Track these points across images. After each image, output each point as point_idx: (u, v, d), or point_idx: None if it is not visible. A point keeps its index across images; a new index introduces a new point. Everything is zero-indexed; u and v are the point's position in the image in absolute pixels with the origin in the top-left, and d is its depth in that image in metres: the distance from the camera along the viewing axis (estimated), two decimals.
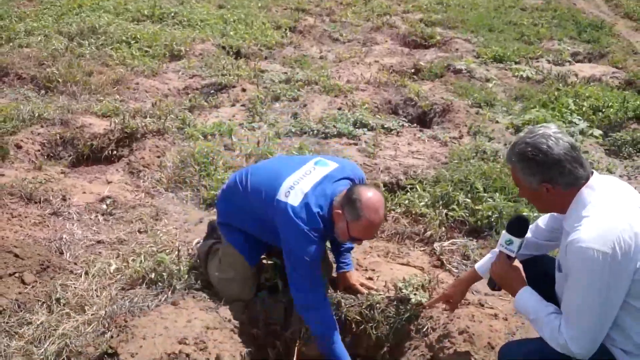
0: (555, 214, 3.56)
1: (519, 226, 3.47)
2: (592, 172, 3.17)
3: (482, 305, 4.36)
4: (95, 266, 4.82)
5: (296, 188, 4.12)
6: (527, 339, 3.34)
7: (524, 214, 3.94)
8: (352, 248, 4.77)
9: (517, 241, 3.44)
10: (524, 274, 3.44)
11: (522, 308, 3.32)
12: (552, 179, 3.11)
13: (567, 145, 3.09)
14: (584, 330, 2.97)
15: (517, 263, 3.50)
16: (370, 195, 3.92)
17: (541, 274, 3.52)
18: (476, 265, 4.01)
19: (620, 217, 2.98)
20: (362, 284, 4.66)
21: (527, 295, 3.31)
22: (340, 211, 4.00)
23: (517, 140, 3.24)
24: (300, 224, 4.00)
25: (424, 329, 4.25)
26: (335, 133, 7.73)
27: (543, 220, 3.71)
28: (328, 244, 4.86)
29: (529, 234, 3.68)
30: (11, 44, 10.84)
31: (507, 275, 3.45)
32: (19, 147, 7.01)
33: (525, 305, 3.29)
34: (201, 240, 5.04)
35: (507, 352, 3.40)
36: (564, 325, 3.04)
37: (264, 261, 4.68)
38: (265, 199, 4.19)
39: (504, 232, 3.50)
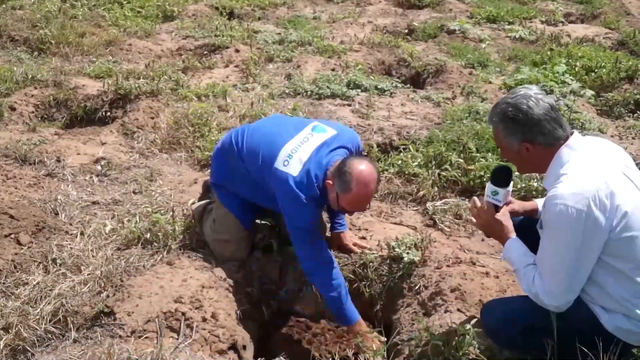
0: None
1: (502, 176, 3.52)
2: (572, 132, 3.21)
3: (474, 264, 4.40)
4: (90, 227, 4.84)
5: (294, 157, 4.11)
6: (508, 297, 3.39)
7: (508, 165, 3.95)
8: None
9: (502, 191, 3.48)
10: (510, 223, 3.46)
11: (508, 258, 3.38)
12: (532, 138, 3.15)
13: (547, 105, 3.13)
14: (555, 284, 3.03)
15: (504, 211, 3.52)
16: (361, 168, 3.89)
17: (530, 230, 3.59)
18: (537, 201, 3.88)
19: (597, 176, 3.02)
20: (355, 244, 4.70)
21: (513, 245, 3.36)
22: (331, 182, 4.00)
23: (499, 101, 3.28)
24: (300, 194, 4.00)
25: (417, 287, 4.30)
26: (329, 94, 7.73)
27: None
28: None
29: None
30: (4, 5, 10.79)
31: (492, 225, 3.48)
32: (12, 109, 7.01)
33: (511, 256, 3.35)
34: (196, 201, 5.06)
35: (489, 311, 3.45)
36: (537, 278, 3.11)
37: (258, 221, 4.71)
38: (262, 165, 4.19)
39: (488, 183, 3.54)
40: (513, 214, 3.68)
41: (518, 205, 3.77)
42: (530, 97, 3.14)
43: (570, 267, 3.00)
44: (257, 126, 4.59)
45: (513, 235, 3.40)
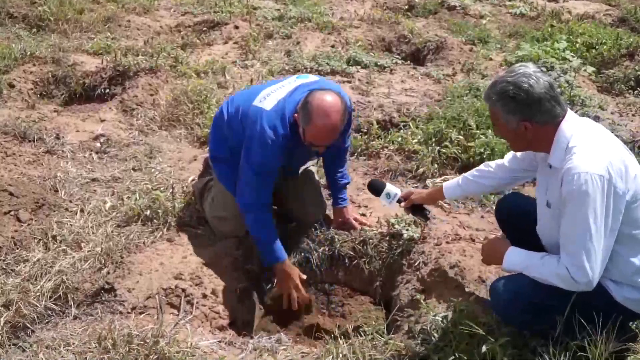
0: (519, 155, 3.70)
1: (373, 189, 4.43)
2: (567, 109, 3.22)
3: (473, 240, 4.41)
4: (90, 204, 4.85)
5: (272, 95, 4.15)
6: (517, 274, 3.39)
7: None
8: (347, 183, 4.78)
9: (382, 198, 4.37)
10: (505, 241, 3.53)
11: (513, 263, 3.36)
12: (531, 117, 3.14)
13: (546, 84, 3.13)
14: (587, 257, 2.98)
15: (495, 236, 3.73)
16: (323, 98, 3.87)
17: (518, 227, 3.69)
18: (444, 184, 4.19)
19: (606, 143, 3.09)
20: (356, 219, 4.70)
21: (514, 251, 3.36)
22: (297, 115, 4.00)
23: (497, 79, 3.27)
24: (267, 130, 4.01)
25: (416, 264, 4.30)
26: (329, 70, 7.71)
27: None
28: (323, 182, 4.90)
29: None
30: None
31: (492, 248, 3.57)
32: (11, 86, 6.98)
33: (516, 259, 3.33)
34: (196, 178, 5.06)
35: (498, 287, 3.44)
36: (565, 257, 3.06)
37: None
38: (242, 116, 4.24)
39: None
40: (409, 202, 4.33)
41: (416, 195, 4.33)
42: (530, 75, 3.12)
43: (598, 237, 2.98)
44: (244, 90, 4.61)
45: (510, 246, 3.43)
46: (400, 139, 5.94)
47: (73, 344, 3.44)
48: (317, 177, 4.92)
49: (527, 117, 3.15)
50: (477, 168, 4.02)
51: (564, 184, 3.04)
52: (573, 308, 3.14)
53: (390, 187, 4.34)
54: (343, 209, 4.71)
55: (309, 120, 3.87)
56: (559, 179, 3.08)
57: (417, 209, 4.33)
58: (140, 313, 3.74)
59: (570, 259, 3.04)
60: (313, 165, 4.94)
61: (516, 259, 3.34)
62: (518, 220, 3.71)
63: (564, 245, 3.10)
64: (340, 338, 3.66)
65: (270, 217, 4.28)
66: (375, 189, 4.40)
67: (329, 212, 4.80)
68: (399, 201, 4.34)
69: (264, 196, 4.22)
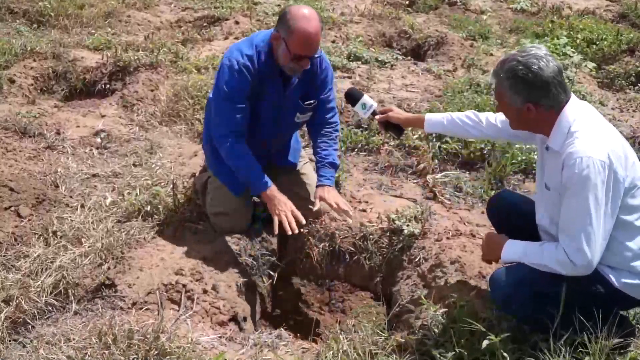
0: None
1: (349, 98, 4.38)
2: (571, 95, 3.23)
3: (474, 236, 4.41)
4: (91, 199, 4.85)
5: None
6: (516, 265, 3.39)
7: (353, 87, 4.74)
8: (334, 164, 4.51)
9: (357, 109, 4.35)
10: (502, 235, 3.53)
11: (512, 253, 3.37)
12: (537, 100, 3.15)
13: (555, 68, 3.12)
14: (587, 240, 3.00)
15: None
16: (299, 7, 4.00)
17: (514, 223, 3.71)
18: (427, 115, 4.15)
19: (606, 130, 3.14)
20: (337, 204, 4.30)
21: (513, 242, 3.38)
22: (276, 33, 4.04)
23: (508, 56, 3.24)
24: (233, 53, 4.14)
25: (417, 259, 4.30)
26: None
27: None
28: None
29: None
30: None
31: (490, 241, 3.58)
32: (12, 81, 6.97)
33: (515, 249, 3.35)
34: (197, 174, 5.05)
35: (498, 278, 3.44)
36: (564, 240, 3.09)
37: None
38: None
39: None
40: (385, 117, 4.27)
41: (394, 114, 4.25)
42: (541, 57, 3.11)
43: (597, 221, 3.00)
44: None
45: (507, 239, 3.44)
46: None
47: (73, 339, 3.44)
48: (314, 174, 4.87)
49: (532, 100, 3.16)
50: (466, 114, 3.96)
51: (565, 167, 3.05)
52: (573, 298, 3.15)
53: (367, 98, 4.31)
54: (323, 187, 4.39)
55: (291, 28, 3.93)
56: (560, 162, 3.10)
57: (390, 125, 4.29)
58: (141, 308, 3.74)
59: (570, 242, 3.06)
60: (310, 161, 4.92)
61: (515, 248, 3.36)
62: (516, 219, 3.70)
63: (564, 228, 3.12)
64: (341, 334, 3.65)
65: (246, 147, 4.26)
66: (352, 97, 4.37)
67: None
68: (374, 114, 4.32)
69: (237, 125, 4.22)
